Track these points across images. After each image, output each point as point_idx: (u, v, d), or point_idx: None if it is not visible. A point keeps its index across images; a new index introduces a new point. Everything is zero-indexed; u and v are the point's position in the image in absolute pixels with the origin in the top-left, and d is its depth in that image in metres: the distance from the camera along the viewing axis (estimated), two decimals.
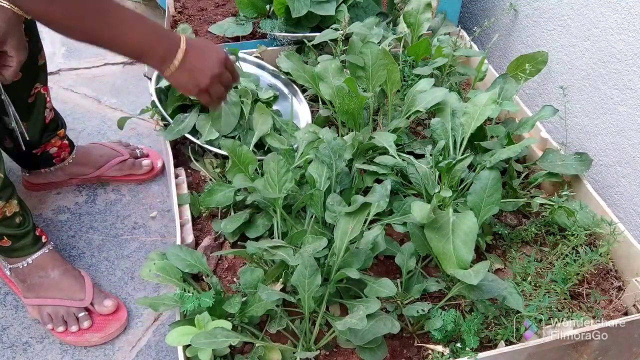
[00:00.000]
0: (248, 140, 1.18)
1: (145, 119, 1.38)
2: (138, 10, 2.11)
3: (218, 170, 1.17)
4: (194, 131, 1.16)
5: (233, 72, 0.97)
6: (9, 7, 0.93)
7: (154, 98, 1.18)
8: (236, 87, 1.21)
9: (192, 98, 1.18)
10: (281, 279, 0.93)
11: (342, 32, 1.32)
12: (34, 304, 1.09)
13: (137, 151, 1.43)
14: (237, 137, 1.18)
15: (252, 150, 1.19)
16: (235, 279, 0.99)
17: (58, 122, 1.27)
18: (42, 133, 1.23)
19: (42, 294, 1.08)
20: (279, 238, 0.99)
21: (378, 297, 0.84)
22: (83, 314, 1.08)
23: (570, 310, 0.94)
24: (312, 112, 1.31)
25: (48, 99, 1.21)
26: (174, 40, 0.88)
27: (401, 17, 1.40)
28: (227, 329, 0.79)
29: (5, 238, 1.03)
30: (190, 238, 1.01)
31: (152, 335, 1.12)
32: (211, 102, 0.96)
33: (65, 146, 1.31)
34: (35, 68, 1.13)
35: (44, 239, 1.10)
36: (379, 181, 1.03)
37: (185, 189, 1.11)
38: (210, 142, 1.15)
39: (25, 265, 1.08)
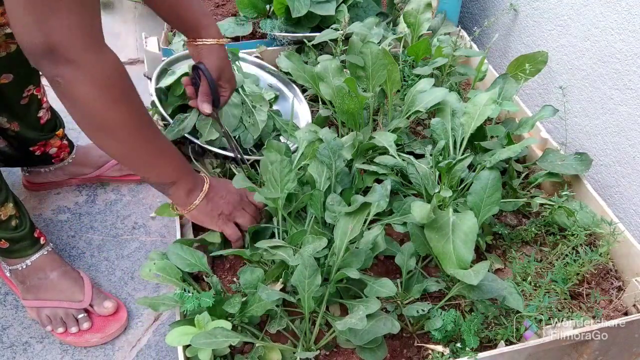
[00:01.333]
0: (248, 140, 1.19)
1: None
2: (138, 10, 2.11)
3: (218, 170, 1.17)
4: (194, 131, 1.16)
5: (256, 205, 1.02)
6: (215, 42, 1.06)
7: (154, 98, 1.18)
8: (237, 91, 1.21)
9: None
10: (281, 279, 0.93)
11: (342, 32, 1.32)
12: (33, 305, 1.09)
13: None
14: (237, 136, 1.18)
15: (251, 149, 1.19)
16: (235, 279, 0.99)
17: (56, 122, 1.27)
18: (37, 133, 1.22)
19: (41, 295, 1.08)
20: (279, 238, 0.99)
21: (378, 297, 0.84)
22: (82, 315, 1.08)
23: (570, 310, 0.94)
24: (312, 112, 1.31)
25: (44, 99, 1.20)
26: (199, 175, 0.97)
27: (401, 17, 1.40)
28: (227, 329, 0.79)
29: (3, 240, 1.03)
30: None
31: (152, 335, 1.12)
32: (237, 235, 0.98)
33: (64, 146, 1.31)
34: (27, 70, 1.13)
35: (42, 241, 1.10)
36: (379, 181, 1.03)
37: None
38: (210, 142, 1.15)
39: (24, 266, 1.08)
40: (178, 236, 1.00)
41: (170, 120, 1.16)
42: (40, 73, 1.16)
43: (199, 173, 0.99)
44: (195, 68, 1.05)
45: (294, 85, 1.35)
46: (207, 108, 1.06)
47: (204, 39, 1.04)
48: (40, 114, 1.20)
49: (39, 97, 1.18)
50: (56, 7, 0.68)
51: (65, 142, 1.31)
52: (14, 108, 1.14)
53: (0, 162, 1.23)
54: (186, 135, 1.15)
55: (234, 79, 1.10)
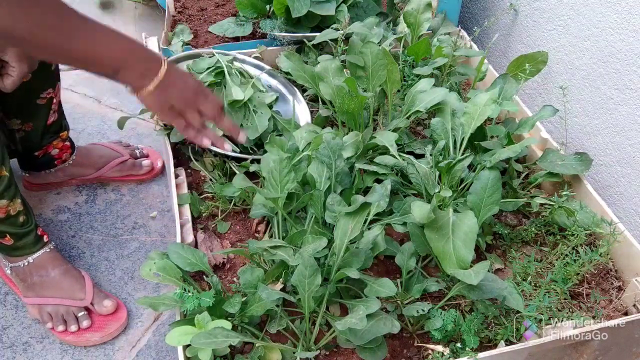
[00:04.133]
0: (248, 138, 1.18)
1: (145, 118, 1.38)
2: (138, 10, 2.11)
3: (218, 170, 1.17)
4: None
5: (214, 104, 0.96)
6: None
7: None
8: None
9: None
10: (281, 279, 0.93)
11: (342, 32, 1.32)
12: (34, 303, 1.09)
13: (137, 151, 1.43)
14: None
15: (252, 149, 1.19)
16: (235, 279, 0.99)
17: (62, 124, 1.28)
18: (42, 135, 1.23)
19: (43, 293, 1.09)
20: (279, 238, 0.99)
21: (378, 297, 0.84)
22: (82, 313, 1.08)
23: (570, 310, 0.94)
24: (312, 112, 1.31)
25: (55, 100, 1.21)
26: (155, 57, 0.86)
27: (401, 17, 1.40)
28: (227, 329, 0.79)
29: (8, 236, 1.04)
30: (190, 238, 1.01)
31: (152, 335, 1.12)
32: (187, 130, 0.93)
33: (66, 147, 1.31)
34: (49, 73, 1.14)
35: (45, 239, 1.11)
36: (379, 181, 1.03)
37: (185, 189, 1.11)
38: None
39: (26, 264, 1.08)
40: (178, 236, 1.00)
41: None
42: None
43: (155, 55, 0.87)
44: None
45: (293, 86, 1.35)
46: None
47: None
48: (48, 114, 1.21)
49: (52, 99, 1.19)
50: None
51: (67, 143, 1.31)
52: (29, 108, 1.15)
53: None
54: None
55: (25, 63, 0.98)
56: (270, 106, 1.25)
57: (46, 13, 0.71)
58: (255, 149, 1.20)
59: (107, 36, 0.79)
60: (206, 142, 0.96)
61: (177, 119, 0.92)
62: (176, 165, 1.17)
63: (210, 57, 1.30)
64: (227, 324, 0.81)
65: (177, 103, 0.89)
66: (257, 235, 1.08)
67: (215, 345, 0.75)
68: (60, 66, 1.75)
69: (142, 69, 0.83)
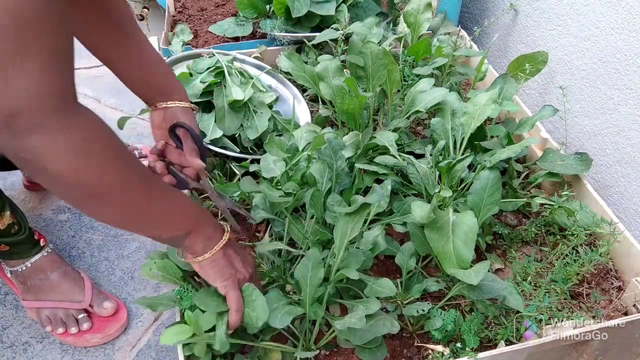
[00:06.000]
0: (245, 138, 1.18)
1: (145, 118, 1.37)
2: (137, 10, 2.10)
3: (218, 170, 1.17)
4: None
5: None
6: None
7: None
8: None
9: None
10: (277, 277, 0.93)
11: (342, 32, 1.32)
12: (33, 306, 1.09)
13: (137, 151, 1.43)
14: (237, 135, 1.18)
15: (251, 149, 1.19)
16: None
17: None
18: None
19: (41, 296, 1.08)
20: (282, 240, 0.99)
21: (378, 297, 0.84)
22: (82, 315, 1.08)
23: (570, 310, 0.94)
24: (312, 112, 1.31)
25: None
26: (219, 223, 0.84)
27: (401, 17, 1.40)
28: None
29: (3, 245, 1.03)
30: None
31: (152, 335, 1.12)
32: (240, 306, 0.81)
33: None
34: None
35: (42, 242, 1.10)
36: (379, 181, 1.03)
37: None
38: (213, 142, 1.15)
39: (25, 268, 1.08)
40: None
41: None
42: None
43: (219, 222, 0.85)
44: (173, 128, 0.95)
45: (293, 86, 1.35)
46: (200, 163, 0.93)
47: (176, 102, 0.95)
48: None
49: None
50: (21, 57, 0.52)
51: None
52: None
53: None
54: None
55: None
56: (270, 106, 1.25)
57: (132, 167, 0.67)
58: (255, 149, 1.20)
59: (181, 197, 0.77)
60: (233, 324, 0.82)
61: (237, 293, 0.81)
62: None
63: (210, 57, 1.30)
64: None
65: (240, 272, 0.83)
66: (257, 235, 1.08)
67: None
68: None
69: (209, 232, 0.80)
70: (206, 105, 1.21)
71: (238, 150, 1.17)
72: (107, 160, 0.63)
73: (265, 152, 1.08)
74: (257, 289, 0.80)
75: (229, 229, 0.84)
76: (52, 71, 0.57)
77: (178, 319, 0.87)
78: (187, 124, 0.94)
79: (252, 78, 1.28)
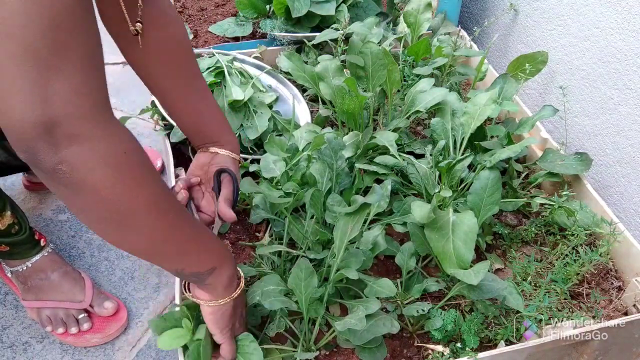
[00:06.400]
0: (245, 138, 1.18)
1: (145, 118, 1.38)
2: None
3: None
4: None
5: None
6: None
7: (154, 98, 1.18)
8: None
9: None
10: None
11: (342, 32, 1.32)
12: (33, 306, 1.09)
13: None
14: (237, 135, 1.18)
15: (251, 149, 1.19)
16: None
17: None
18: None
19: (42, 296, 1.08)
20: (282, 240, 0.99)
21: (378, 297, 0.84)
22: (82, 315, 1.08)
23: (570, 310, 0.94)
24: (312, 112, 1.31)
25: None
26: (237, 271, 0.79)
27: (401, 17, 1.40)
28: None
29: (3, 245, 1.03)
30: None
31: (152, 335, 1.12)
32: (233, 357, 0.80)
33: None
34: None
35: (42, 243, 1.10)
36: (379, 181, 1.03)
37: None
38: None
39: (25, 268, 1.08)
40: None
41: (171, 120, 1.16)
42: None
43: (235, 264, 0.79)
44: (220, 172, 0.92)
45: (293, 86, 1.35)
46: (232, 214, 0.88)
47: (229, 151, 0.93)
48: None
49: None
50: (59, 65, 0.49)
51: None
52: None
53: None
54: None
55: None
56: (270, 106, 1.25)
57: (165, 190, 0.64)
58: (255, 149, 1.20)
59: (209, 233, 0.74)
60: None
61: (232, 345, 0.79)
62: (176, 165, 1.17)
63: (210, 57, 1.30)
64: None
65: (239, 324, 0.80)
66: (257, 235, 1.08)
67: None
68: None
69: (230, 276, 0.75)
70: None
71: None
72: (144, 177, 0.59)
73: (265, 152, 1.08)
74: (255, 341, 0.79)
75: (243, 276, 0.80)
76: (90, 74, 0.53)
77: None
78: (234, 173, 0.92)
79: (252, 78, 1.28)
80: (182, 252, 0.68)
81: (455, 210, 0.92)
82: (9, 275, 1.11)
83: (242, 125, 1.19)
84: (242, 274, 0.80)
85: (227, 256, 0.75)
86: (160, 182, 0.63)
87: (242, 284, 0.78)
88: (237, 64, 1.32)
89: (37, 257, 1.09)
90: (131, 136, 0.59)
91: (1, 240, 1.02)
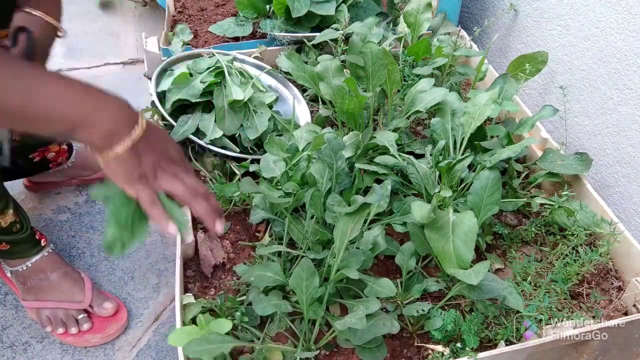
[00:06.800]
0: (246, 138, 1.18)
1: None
2: (138, 10, 2.11)
3: (218, 170, 1.17)
4: (197, 131, 1.16)
5: (192, 183, 0.73)
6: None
7: (154, 98, 1.18)
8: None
9: (193, 101, 1.18)
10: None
11: (342, 32, 1.32)
12: (32, 306, 1.09)
13: None
14: (237, 135, 1.18)
15: (251, 148, 1.19)
16: (235, 279, 0.99)
17: None
18: (36, 140, 1.22)
19: (41, 296, 1.08)
20: (282, 240, 0.99)
21: (378, 297, 0.84)
22: (82, 315, 1.08)
23: (570, 310, 0.94)
24: (312, 112, 1.31)
25: None
26: (130, 114, 0.68)
27: (401, 17, 1.40)
28: (222, 335, 0.78)
29: (4, 243, 1.03)
30: (190, 238, 1.01)
31: (152, 335, 1.12)
32: (152, 199, 0.70)
33: (63, 152, 1.30)
34: None
35: (43, 242, 1.10)
36: (379, 181, 1.03)
37: None
38: (213, 141, 1.15)
39: (25, 268, 1.08)
40: (178, 236, 0.99)
41: (171, 120, 1.16)
42: None
43: (129, 111, 0.69)
44: (20, 30, 0.85)
45: (293, 86, 1.35)
46: None
47: (44, 13, 0.87)
48: None
49: None
50: None
51: (64, 147, 1.30)
52: None
53: None
54: (190, 137, 1.15)
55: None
56: (270, 106, 1.25)
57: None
58: (255, 149, 1.20)
59: (58, 80, 0.64)
60: (170, 230, 0.71)
61: (147, 191, 0.70)
62: None
63: (210, 57, 1.30)
64: (228, 324, 0.81)
65: (150, 171, 0.70)
66: (257, 235, 1.08)
67: (209, 354, 0.75)
68: (59, 66, 1.74)
69: (108, 127, 0.65)
70: (206, 105, 1.21)
71: (238, 150, 1.17)
72: None
73: (265, 152, 1.08)
74: (174, 203, 0.70)
75: (143, 123, 0.69)
76: None
77: (178, 319, 0.87)
78: (31, 31, 0.84)
79: (252, 78, 1.28)
80: (25, 107, 0.60)
81: (455, 210, 0.92)
82: (9, 275, 1.11)
83: (242, 125, 1.19)
84: (141, 119, 0.69)
85: (96, 109, 0.64)
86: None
87: (137, 133, 0.67)
88: (237, 64, 1.32)
89: (37, 257, 1.09)
90: None
91: (2, 238, 1.02)
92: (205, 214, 0.73)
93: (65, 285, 1.10)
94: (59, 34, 0.95)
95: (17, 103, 0.59)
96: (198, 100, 1.19)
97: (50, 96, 0.61)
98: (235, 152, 1.16)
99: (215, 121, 1.17)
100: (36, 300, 1.08)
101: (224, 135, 1.16)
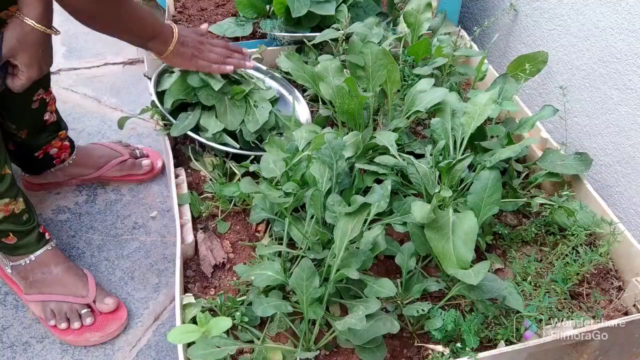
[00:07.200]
0: (246, 132, 1.18)
1: (145, 118, 1.37)
2: None
3: (218, 170, 1.17)
4: (197, 129, 1.16)
5: (220, 44, 1.19)
6: (30, 23, 0.94)
7: (154, 98, 1.18)
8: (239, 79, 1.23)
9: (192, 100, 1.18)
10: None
11: (342, 32, 1.32)
12: (36, 300, 1.09)
13: (137, 151, 1.43)
14: (238, 130, 1.18)
15: (253, 143, 1.19)
16: (235, 279, 0.99)
17: (60, 124, 1.28)
18: (40, 136, 1.23)
19: (45, 290, 1.09)
20: (282, 240, 0.99)
21: (378, 297, 0.84)
22: (85, 310, 1.09)
23: (570, 310, 0.94)
24: (312, 112, 1.31)
25: (50, 102, 1.21)
26: (168, 26, 1.09)
27: (401, 17, 1.40)
28: (225, 337, 0.79)
29: (11, 235, 1.04)
30: (190, 238, 1.01)
31: (152, 335, 1.12)
32: (211, 67, 1.14)
33: (65, 147, 1.31)
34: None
35: (47, 236, 1.12)
36: (379, 181, 1.03)
37: (185, 189, 1.11)
38: (214, 137, 1.15)
39: (28, 262, 1.09)
40: (178, 236, 0.99)
41: (172, 119, 1.16)
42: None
43: (168, 24, 1.09)
44: None
45: (293, 87, 1.35)
46: None
47: (22, 14, 0.94)
48: (46, 117, 1.21)
49: (47, 100, 1.19)
50: None
51: (66, 142, 1.31)
52: (25, 113, 1.15)
53: None
54: (189, 132, 1.15)
55: (35, 69, 0.99)
56: (271, 102, 1.25)
57: None
58: (257, 143, 1.20)
59: (146, 13, 1.03)
60: (229, 68, 1.17)
61: (200, 62, 1.13)
62: (176, 165, 1.17)
63: None
64: (227, 322, 0.80)
65: (194, 51, 1.12)
66: (257, 235, 1.08)
67: (214, 357, 0.75)
68: (59, 65, 1.74)
69: (165, 36, 1.06)
70: (206, 105, 1.20)
71: (238, 146, 1.17)
72: None
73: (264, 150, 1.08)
74: None
75: (176, 29, 1.08)
76: None
77: (178, 319, 0.87)
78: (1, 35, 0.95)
79: (252, 78, 1.28)
80: (126, 29, 1.01)
81: (455, 210, 0.92)
82: (9, 271, 1.11)
83: (243, 120, 1.19)
84: (173, 25, 1.10)
85: (159, 28, 1.06)
86: None
87: (175, 34, 1.08)
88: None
89: (41, 250, 1.09)
90: None
91: (14, 227, 1.03)
92: (237, 65, 1.20)
93: (69, 280, 1.10)
94: (53, 33, 0.99)
95: (128, 26, 1.00)
96: (198, 101, 1.18)
97: (143, 19, 1.02)
98: (235, 148, 1.16)
99: (216, 116, 1.17)
100: (40, 294, 1.09)
101: (224, 131, 1.16)
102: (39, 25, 0.95)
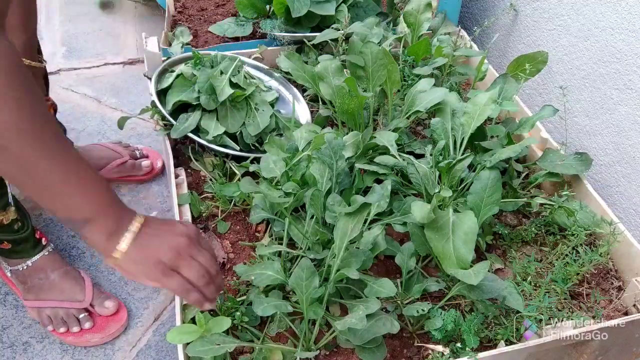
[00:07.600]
0: (247, 135, 1.18)
1: (145, 119, 1.38)
2: (138, 10, 2.11)
3: (218, 170, 1.17)
4: (197, 130, 1.16)
5: (205, 253, 0.75)
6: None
7: (154, 98, 1.18)
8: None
9: (193, 103, 1.18)
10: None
11: (342, 32, 1.32)
12: (33, 306, 1.09)
13: (137, 152, 1.43)
14: (238, 132, 1.18)
15: (253, 144, 1.19)
16: (235, 279, 0.99)
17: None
18: None
19: (42, 295, 1.09)
20: (282, 240, 0.99)
21: (378, 297, 0.84)
22: (83, 315, 1.09)
23: (570, 310, 0.94)
24: (312, 112, 1.31)
25: (48, 107, 1.21)
26: (129, 211, 0.70)
27: (401, 17, 1.40)
28: (224, 335, 0.79)
29: (5, 242, 1.04)
30: None
31: (152, 335, 1.12)
32: (186, 288, 0.71)
33: None
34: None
35: (44, 242, 1.11)
36: (379, 181, 1.03)
37: (185, 189, 1.11)
38: (214, 139, 1.15)
39: (25, 267, 1.09)
40: None
41: (172, 120, 1.16)
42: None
43: (129, 209, 0.71)
44: None
45: (293, 87, 1.35)
46: None
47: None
48: None
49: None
50: None
51: None
52: None
53: None
54: (189, 134, 1.15)
55: None
56: (272, 105, 1.25)
57: (39, 116, 0.61)
58: (257, 145, 1.20)
59: (90, 176, 0.66)
60: (208, 307, 0.76)
61: (173, 278, 0.70)
62: (176, 165, 1.17)
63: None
64: (227, 322, 0.81)
65: (166, 256, 0.69)
66: (257, 235, 1.08)
67: (213, 353, 0.75)
68: (59, 65, 1.74)
69: (112, 226, 0.67)
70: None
71: (238, 148, 1.17)
72: (11, 94, 0.56)
73: (264, 151, 1.08)
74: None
75: (141, 218, 0.70)
76: None
77: (178, 319, 0.87)
78: None
79: (253, 78, 1.28)
80: (49, 188, 0.63)
81: (455, 210, 0.92)
82: (9, 274, 1.11)
83: (244, 123, 1.19)
84: (137, 214, 0.70)
85: (106, 206, 0.67)
86: (36, 105, 0.60)
87: (134, 227, 0.68)
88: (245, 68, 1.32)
89: (38, 256, 1.09)
90: (12, 53, 0.57)
91: (4, 236, 1.02)
92: (215, 291, 0.76)
93: (66, 285, 1.10)
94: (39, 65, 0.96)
95: (53, 185, 0.63)
96: (199, 102, 1.18)
97: (82, 189, 0.65)
98: (235, 149, 1.16)
99: (217, 119, 1.17)
100: (37, 300, 1.09)
101: (225, 133, 1.16)
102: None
